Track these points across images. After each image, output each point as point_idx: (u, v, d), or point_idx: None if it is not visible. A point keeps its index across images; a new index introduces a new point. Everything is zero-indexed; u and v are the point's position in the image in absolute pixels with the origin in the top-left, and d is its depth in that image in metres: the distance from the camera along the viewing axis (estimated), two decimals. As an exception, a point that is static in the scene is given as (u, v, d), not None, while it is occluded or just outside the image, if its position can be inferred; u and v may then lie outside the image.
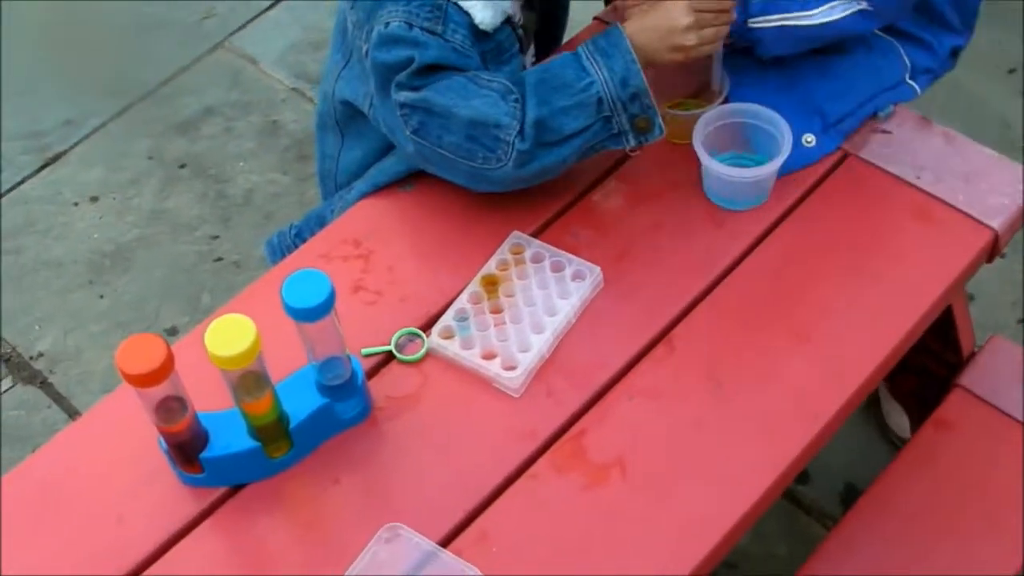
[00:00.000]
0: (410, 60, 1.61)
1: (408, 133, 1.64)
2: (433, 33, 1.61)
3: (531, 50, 1.91)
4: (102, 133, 3.13)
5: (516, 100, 1.59)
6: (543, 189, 1.76)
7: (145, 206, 2.95)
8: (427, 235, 1.72)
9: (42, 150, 3.10)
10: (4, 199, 2.99)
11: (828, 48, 1.78)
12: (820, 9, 1.70)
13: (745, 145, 1.75)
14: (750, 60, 1.79)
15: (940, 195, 1.72)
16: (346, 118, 1.87)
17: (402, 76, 1.62)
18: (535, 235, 1.70)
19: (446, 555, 1.40)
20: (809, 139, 1.76)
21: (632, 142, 1.65)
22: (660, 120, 1.63)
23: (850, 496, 2.31)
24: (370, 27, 1.64)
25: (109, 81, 3.26)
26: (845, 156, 1.78)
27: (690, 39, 1.61)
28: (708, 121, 1.72)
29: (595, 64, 1.60)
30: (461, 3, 1.64)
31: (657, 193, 1.75)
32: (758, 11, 1.70)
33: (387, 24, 1.62)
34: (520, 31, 1.76)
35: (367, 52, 1.66)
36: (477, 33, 1.67)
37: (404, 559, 1.40)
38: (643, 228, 1.71)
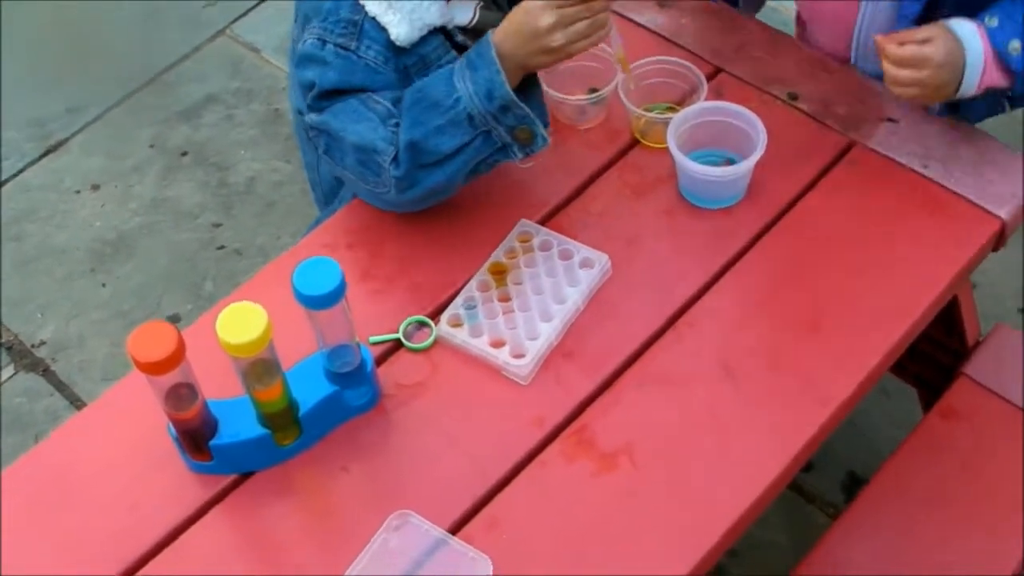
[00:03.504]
0: (317, 80, 1.63)
1: (321, 153, 1.67)
2: (347, 49, 1.61)
3: None
4: (104, 121, 3.13)
5: (396, 124, 1.59)
6: (550, 177, 1.76)
7: (147, 194, 2.95)
8: (435, 224, 1.72)
9: (44, 138, 3.09)
10: (6, 186, 2.99)
11: None
12: None
13: (722, 142, 1.74)
14: None
15: (947, 184, 1.72)
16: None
17: (309, 98, 1.64)
18: (543, 223, 1.70)
19: (456, 542, 1.40)
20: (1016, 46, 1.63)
21: (519, 155, 1.61)
22: (543, 131, 1.58)
23: (853, 484, 2.32)
24: (300, 43, 1.66)
25: (111, 69, 3.26)
26: (852, 145, 1.78)
27: (556, 39, 1.53)
28: (683, 120, 1.72)
29: (463, 78, 1.56)
30: (379, 18, 1.62)
31: (665, 180, 1.75)
32: None
33: (305, 42, 1.64)
34: (463, 38, 1.71)
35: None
36: (396, 48, 1.64)
37: (414, 546, 1.40)
38: (651, 215, 1.71)
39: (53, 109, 3.15)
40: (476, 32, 1.76)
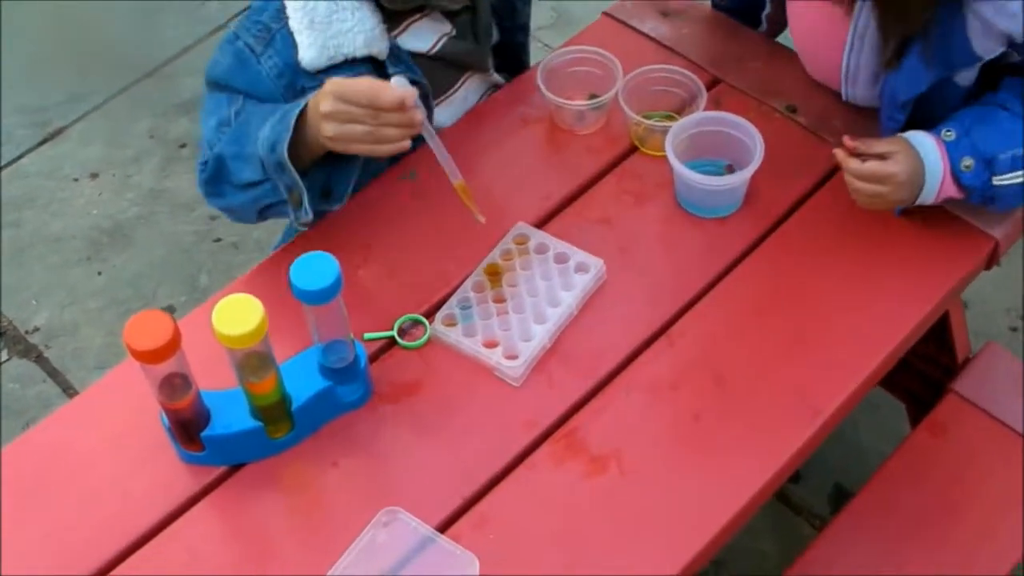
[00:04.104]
0: (211, 66, 1.66)
1: None
2: (252, 51, 1.63)
3: (466, 82, 1.87)
4: (103, 111, 3.14)
5: (225, 133, 1.60)
6: (548, 180, 1.77)
7: (145, 184, 2.96)
8: (431, 223, 1.73)
9: (43, 125, 3.10)
10: (4, 172, 2.99)
11: None
12: None
13: (720, 152, 1.75)
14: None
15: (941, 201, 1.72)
16: None
17: (205, 76, 1.67)
18: (539, 226, 1.71)
19: (444, 540, 1.41)
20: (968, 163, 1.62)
21: (292, 213, 1.58)
22: (308, 205, 1.55)
23: (839, 496, 2.33)
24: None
25: (111, 58, 3.27)
26: (848, 159, 1.79)
27: (326, 129, 1.48)
28: (682, 129, 1.72)
29: (271, 122, 1.53)
30: (295, 34, 1.62)
31: (663, 188, 1.75)
32: (1006, 168, 1.59)
33: (229, 29, 1.67)
34: (395, 70, 1.67)
35: None
36: (298, 68, 1.63)
37: (402, 543, 1.41)
38: (648, 222, 1.72)
39: (53, 97, 3.16)
40: (442, 63, 1.78)
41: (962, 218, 1.71)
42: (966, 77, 1.66)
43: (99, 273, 2.78)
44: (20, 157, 3.03)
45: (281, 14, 1.63)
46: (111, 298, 2.73)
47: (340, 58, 1.64)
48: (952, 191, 1.62)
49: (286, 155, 1.51)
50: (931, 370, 2.04)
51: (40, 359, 2.63)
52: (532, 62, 1.98)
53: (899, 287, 1.65)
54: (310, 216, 1.56)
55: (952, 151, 1.60)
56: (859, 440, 2.37)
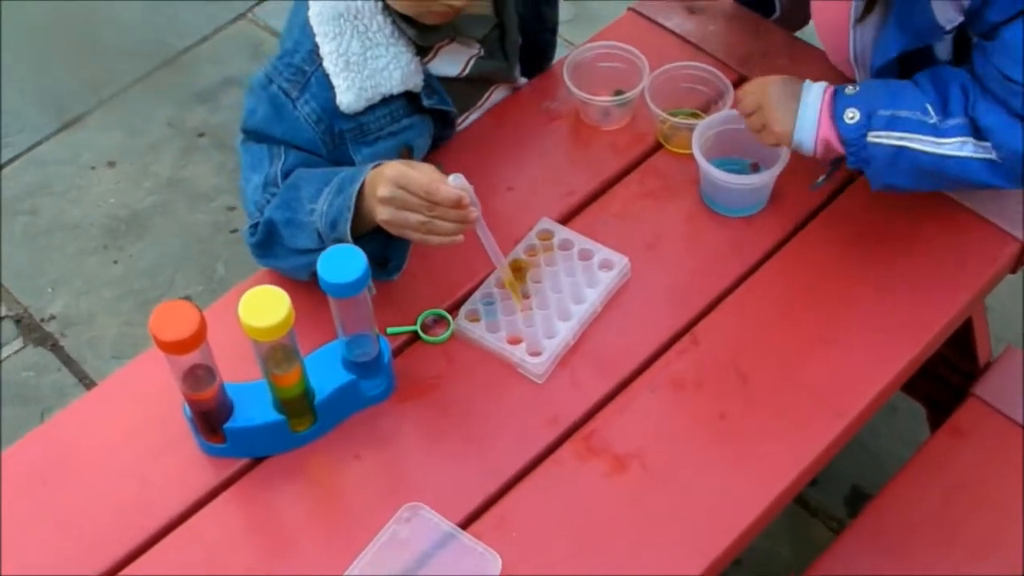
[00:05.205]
0: (246, 115, 1.64)
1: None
2: (287, 95, 1.61)
3: (493, 94, 1.87)
4: (122, 98, 3.13)
5: (272, 195, 1.59)
6: (573, 176, 1.77)
7: (163, 173, 2.95)
8: (455, 217, 1.72)
9: (61, 113, 3.09)
10: (21, 159, 2.99)
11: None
12: (951, 140, 1.54)
13: (746, 151, 1.74)
14: None
15: (968, 203, 1.72)
16: None
17: (242, 120, 1.65)
18: (563, 222, 1.70)
19: (465, 537, 1.40)
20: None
21: None
22: (370, 282, 1.47)
23: (856, 499, 2.32)
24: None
25: (130, 47, 3.26)
26: (875, 160, 1.78)
27: (382, 213, 1.47)
28: (709, 126, 1.72)
29: (328, 194, 1.52)
30: (331, 77, 1.60)
31: (688, 186, 1.75)
32: (882, 125, 1.56)
33: (258, 72, 1.64)
34: (430, 102, 1.68)
35: None
36: (335, 111, 1.61)
37: (424, 539, 1.41)
38: (673, 220, 1.72)
39: (71, 85, 3.16)
40: (470, 81, 1.76)
41: (988, 220, 1.70)
42: (943, 50, 1.65)
43: (115, 262, 2.78)
44: (38, 144, 3.03)
45: (314, 56, 1.60)
46: (127, 287, 2.72)
47: (378, 98, 1.62)
48: (831, 136, 1.59)
49: (349, 234, 1.49)
50: (951, 373, 2.03)
51: (56, 347, 2.63)
52: (555, 58, 1.97)
53: (924, 289, 1.64)
54: (373, 291, 1.51)
55: (840, 99, 1.59)
56: (876, 443, 2.36)
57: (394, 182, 1.45)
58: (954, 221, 1.70)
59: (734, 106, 1.72)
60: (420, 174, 1.45)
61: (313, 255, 1.44)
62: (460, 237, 1.48)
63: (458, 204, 1.44)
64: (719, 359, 1.57)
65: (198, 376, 1.39)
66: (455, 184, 1.45)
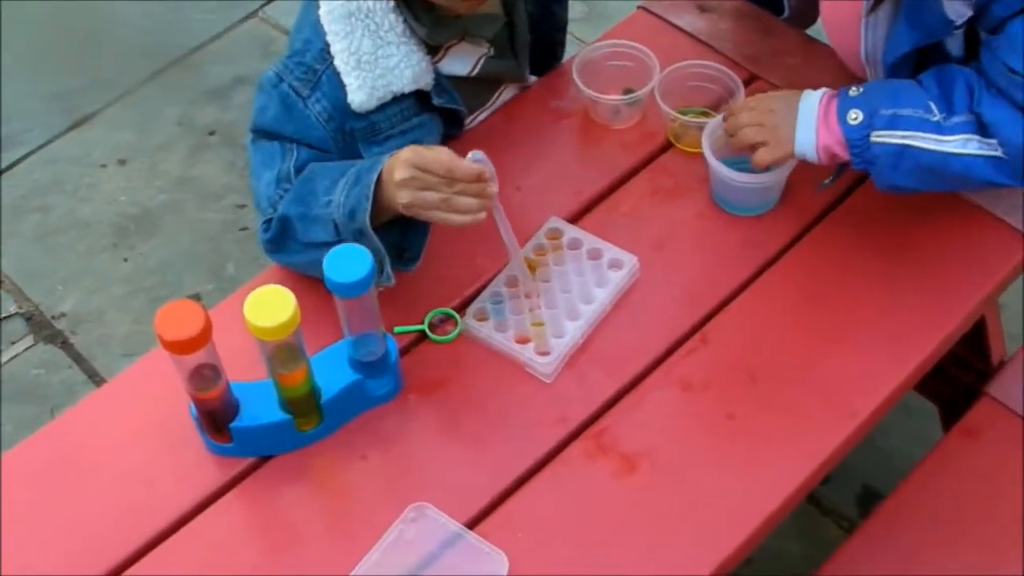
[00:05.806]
0: (257, 114, 1.63)
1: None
2: (298, 94, 1.60)
3: (503, 93, 1.86)
4: (132, 97, 3.13)
5: (285, 191, 1.57)
6: (582, 175, 1.76)
7: (173, 172, 2.95)
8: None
9: (71, 111, 3.09)
10: (32, 157, 3.00)
11: None
12: (954, 138, 1.53)
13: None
14: None
15: (981, 202, 1.70)
16: None
17: (251, 120, 1.65)
18: (572, 221, 1.70)
19: (472, 537, 1.40)
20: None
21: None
22: (390, 270, 1.51)
23: (867, 498, 2.31)
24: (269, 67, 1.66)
25: (141, 45, 3.26)
26: (886, 158, 1.76)
27: (402, 196, 1.45)
28: (719, 125, 1.70)
29: (344, 185, 1.50)
30: (342, 75, 1.59)
31: (698, 185, 1.74)
32: (884, 124, 1.54)
33: (268, 70, 1.63)
34: (441, 100, 1.68)
35: None
36: (346, 109, 1.61)
37: (430, 539, 1.40)
38: (682, 220, 1.71)
39: (82, 83, 3.16)
40: (479, 80, 1.76)
41: (1001, 218, 1.68)
42: (955, 46, 1.62)
43: (125, 260, 2.78)
44: (49, 143, 3.03)
45: (325, 54, 1.60)
46: (137, 285, 2.73)
47: (389, 96, 1.62)
48: (833, 140, 1.58)
49: (368, 223, 1.47)
50: (964, 373, 2.02)
51: (66, 345, 2.63)
52: (564, 56, 1.96)
53: (937, 289, 1.62)
54: (392, 282, 1.51)
55: (844, 100, 1.58)
56: (888, 442, 2.34)
57: (412, 163, 1.44)
58: (967, 219, 1.69)
59: (728, 128, 1.68)
60: (439, 151, 1.46)
61: (328, 249, 1.43)
62: (482, 214, 1.47)
63: (479, 178, 1.44)
64: (729, 359, 1.56)
65: (204, 375, 1.38)
66: (475, 159, 1.45)
